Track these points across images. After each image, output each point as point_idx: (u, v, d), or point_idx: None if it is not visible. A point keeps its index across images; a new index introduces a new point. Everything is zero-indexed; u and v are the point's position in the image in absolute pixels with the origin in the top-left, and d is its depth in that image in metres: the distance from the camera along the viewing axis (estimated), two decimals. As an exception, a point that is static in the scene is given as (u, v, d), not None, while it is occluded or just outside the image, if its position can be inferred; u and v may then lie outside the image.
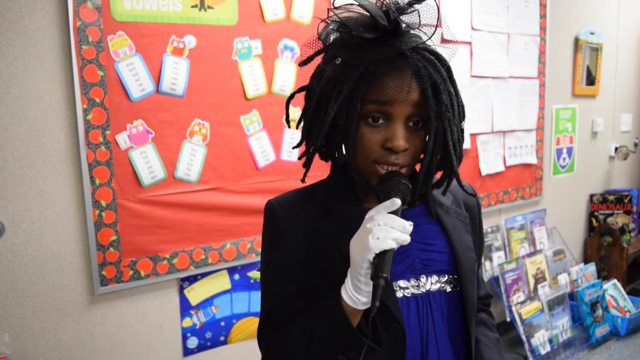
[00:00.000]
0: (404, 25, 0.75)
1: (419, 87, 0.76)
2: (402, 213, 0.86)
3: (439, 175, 0.86)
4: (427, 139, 0.79)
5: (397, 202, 0.73)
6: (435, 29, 0.77)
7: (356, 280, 0.72)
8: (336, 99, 0.77)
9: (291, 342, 0.82)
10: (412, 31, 0.77)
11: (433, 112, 0.76)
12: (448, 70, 0.80)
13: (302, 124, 0.87)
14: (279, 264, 0.87)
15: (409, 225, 0.72)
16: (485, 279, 2.71)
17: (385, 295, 0.78)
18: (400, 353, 0.79)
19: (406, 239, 0.71)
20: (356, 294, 0.73)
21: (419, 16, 0.76)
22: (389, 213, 0.72)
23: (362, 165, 0.81)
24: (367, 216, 0.74)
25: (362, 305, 0.73)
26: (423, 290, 0.83)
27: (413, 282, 0.83)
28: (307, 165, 0.86)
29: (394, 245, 0.69)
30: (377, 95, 0.76)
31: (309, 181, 0.93)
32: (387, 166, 0.78)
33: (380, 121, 0.77)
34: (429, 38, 0.77)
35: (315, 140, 0.81)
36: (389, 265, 0.69)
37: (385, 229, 0.70)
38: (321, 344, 0.78)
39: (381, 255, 0.69)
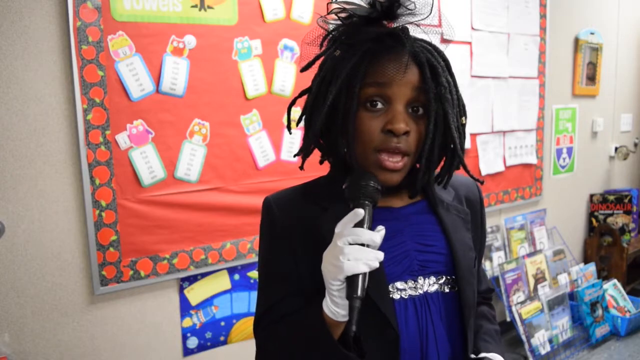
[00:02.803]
0: (399, 7, 0.77)
1: (417, 69, 0.76)
2: (402, 212, 0.86)
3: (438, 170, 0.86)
4: (428, 124, 0.78)
5: (359, 213, 0.72)
6: (430, 13, 0.78)
7: (331, 296, 0.73)
8: (335, 83, 0.78)
9: (280, 347, 0.83)
10: (409, 18, 0.79)
11: (432, 93, 0.76)
12: (445, 60, 0.81)
13: (302, 123, 0.87)
14: (273, 262, 0.87)
15: (378, 238, 0.71)
16: (485, 279, 2.70)
17: (379, 300, 0.78)
18: (393, 357, 0.79)
19: (377, 264, 0.70)
20: (335, 307, 0.73)
21: (415, 4, 0.77)
22: (356, 225, 0.72)
23: (362, 154, 0.80)
24: (336, 230, 0.73)
25: (342, 318, 0.73)
26: (421, 291, 0.83)
27: (410, 283, 0.83)
28: (305, 153, 0.85)
29: (367, 270, 0.69)
30: (375, 78, 0.76)
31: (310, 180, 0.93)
32: (389, 155, 0.77)
33: (380, 106, 0.77)
34: (426, 17, 0.78)
35: (315, 127, 0.80)
36: (363, 285, 0.69)
37: (356, 248, 0.70)
38: (306, 353, 0.79)
39: (353, 276, 0.69)
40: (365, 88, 0.77)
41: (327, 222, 0.81)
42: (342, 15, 0.79)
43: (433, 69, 0.77)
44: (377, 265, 0.70)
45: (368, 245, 0.71)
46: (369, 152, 0.78)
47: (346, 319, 0.73)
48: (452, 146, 0.81)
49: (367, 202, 0.74)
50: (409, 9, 0.77)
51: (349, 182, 0.77)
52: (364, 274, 0.70)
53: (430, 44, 0.80)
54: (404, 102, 0.77)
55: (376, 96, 0.77)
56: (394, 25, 0.79)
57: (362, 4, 0.78)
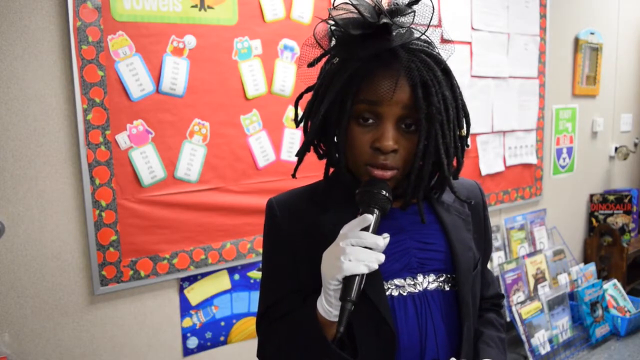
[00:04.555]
0: (394, 23, 0.75)
1: (409, 88, 0.75)
2: (401, 211, 0.86)
3: None
4: (418, 143, 0.78)
5: (368, 219, 0.73)
6: (428, 27, 0.77)
7: (327, 295, 0.74)
8: (328, 96, 0.78)
9: (278, 345, 0.85)
10: (407, 32, 0.77)
11: (423, 113, 0.75)
12: (446, 72, 0.79)
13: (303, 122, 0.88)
14: (275, 262, 0.89)
15: (382, 241, 0.72)
16: (485, 279, 2.70)
17: (376, 298, 0.79)
18: (390, 355, 0.79)
19: (377, 264, 0.71)
20: (328, 307, 0.74)
21: (414, 17, 0.76)
22: (362, 229, 0.73)
23: (353, 165, 0.81)
24: (341, 232, 0.75)
25: (334, 318, 0.74)
26: (420, 289, 0.83)
27: (409, 280, 0.83)
28: (299, 159, 0.87)
29: (366, 271, 0.70)
30: (367, 95, 0.76)
31: (309, 181, 0.93)
32: (377, 168, 0.77)
33: (371, 121, 0.77)
34: (422, 34, 0.77)
35: (309, 136, 0.82)
36: (358, 289, 0.70)
37: (358, 250, 0.71)
38: (302, 351, 0.80)
39: (351, 277, 0.70)
40: (357, 104, 0.77)
41: (328, 223, 0.82)
42: (337, 29, 0.78)
43: (426, 87, 0.75)
44: (376, 266, 0.71)
45: (371, 249, 0.72)
46: (359, 164, 0.80)
47: (337, 319, 0.73)
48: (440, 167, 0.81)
49: (376, 209, 0.75)
50: (405, 27, 0.76)
51: (361, 188, 0.78)
52: (361, 278, 0.71)
53: (430, 54, 0.78)
54: (394, 120, 0.76)
55: (367, 112, 0.77)
56: (392, 36, 0.77)
57: (361, 10, 0.76)
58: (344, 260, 0.70)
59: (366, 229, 0.73)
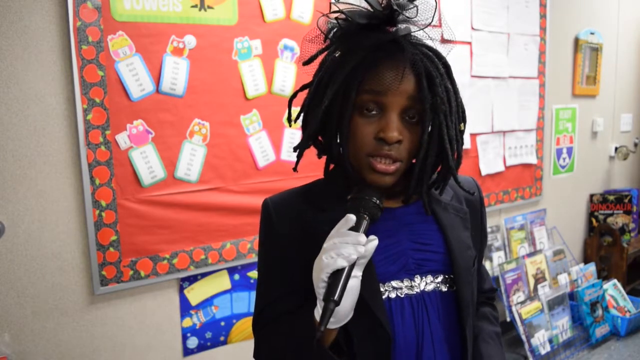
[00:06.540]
0: (400, 15, 0.76)
1: (414, 79, 0.76)
2: (398, 212, 0.86)
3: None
4: (422, 134, 0.78)
5: (351, 218, 0.72)
6: (432, 20, 0.77)
7: (319, 300, 0.73)
8: (332, 87, 0.78)
9: (275, 347, 0.85)
10: (410, 25, 0.78)
11: (428, 104, 0.76)
12: (446, 66, 0.80)
13: (299, 120, 0.87)
14: (271, 262, 0.88)
15: (364, 239, 0.71)
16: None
17: (371, 300, 0.78)
18: (386, 357, 0.79)
19: (355, 256, 0.69)
20: None
21: (417, 12, 0.76)
22: (349, 230, 0.72)
23: (355, 157, 0.80)
24: (329, 235, 0.74)
25: (331, 325, 0.73)
26: (417, 290, 0.83)
27: (406, 282, 0.83)
28: (299, 154, 0.87)
29: (345, 264, 0.69)
30: (371, 85, 0.76)
31: (309, 180, 0.93)
32: (381, 159, 0.77)
33: (374, 112, 0.77)
34: (424, 27, 0.78)
35: (310, 129, 0.82)
36: (341, 287, 0.68)
37: (337, 245, 0.70)
38: (298, 355, 0.79)
39: (334, 275, 0.69)
40: (361, 95, 0.77)
41: (322, 223, 0.82)
42: (342, 19, 0.78)
43: (430, 78, 0.76)
44: (354, 257, 0.69)
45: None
46: (362, 156, 0.79)
47: (335, 326, 0.73)
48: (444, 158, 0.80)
49: (365, 215, 0.74)
50: (409, 17, 0.77)
51: (353, 194, 0.77)
52: (345, 275, 0.69)
53: (431, 48, 0.79)
54: (399, 111, 0.77)
55: (371, 103, 0.77)
56: (395, 29, 0.78)
57: (363, 4, 0.77)
58: (325, 258, 0.70)
59: (353, 230, 0.72)
